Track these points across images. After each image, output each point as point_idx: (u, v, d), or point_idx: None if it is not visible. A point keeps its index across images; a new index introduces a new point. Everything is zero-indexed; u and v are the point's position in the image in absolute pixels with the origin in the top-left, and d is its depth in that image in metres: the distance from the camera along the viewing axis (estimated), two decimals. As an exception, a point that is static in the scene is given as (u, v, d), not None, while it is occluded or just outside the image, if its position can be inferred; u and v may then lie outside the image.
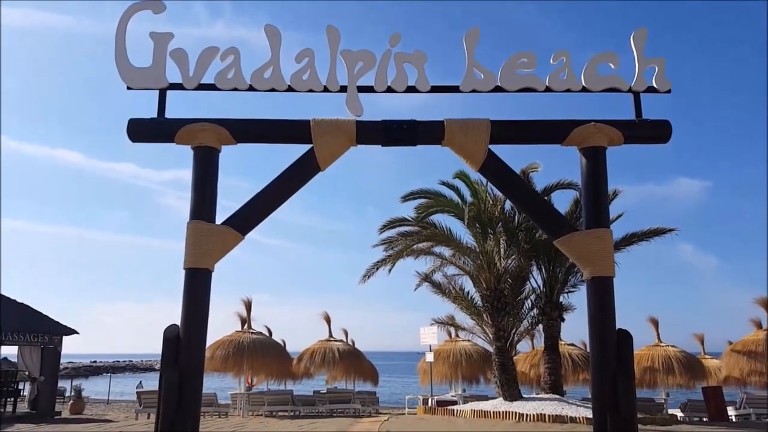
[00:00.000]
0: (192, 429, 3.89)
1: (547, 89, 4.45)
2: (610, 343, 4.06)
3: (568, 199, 18.89)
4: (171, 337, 3.98)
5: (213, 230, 4.15)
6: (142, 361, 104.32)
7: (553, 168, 18.20)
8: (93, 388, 38.24)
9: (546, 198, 18.70)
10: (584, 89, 4.45)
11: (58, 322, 19.56)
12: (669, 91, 4.46)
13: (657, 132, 4.49)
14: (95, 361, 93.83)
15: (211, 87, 4.42)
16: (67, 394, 28.01)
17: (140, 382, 41.09)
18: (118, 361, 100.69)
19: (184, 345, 3.95)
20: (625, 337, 4.11)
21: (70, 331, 19.67)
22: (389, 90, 4.35)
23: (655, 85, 4.50)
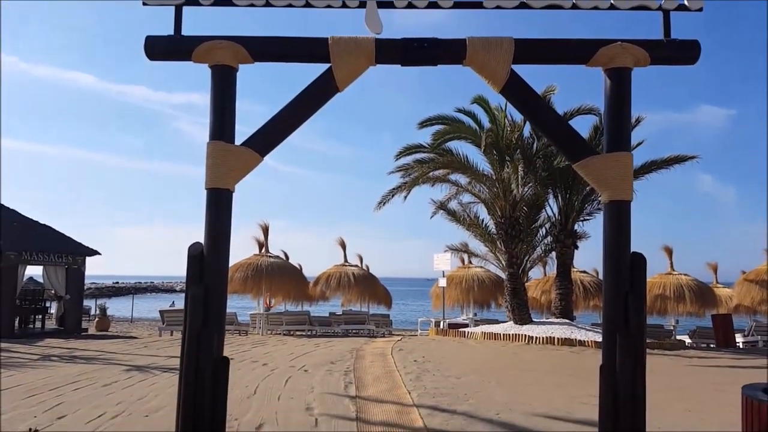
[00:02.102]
0: (218, 342, 4.04)
1: (574, 6, 4.27)
2: (624, 267, 4.10)
3: (587, 126, 18.59)
4: (195, 254, 4.07)
5: (232, 151, 4.15)
6: (162, 282, 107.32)
7: (567, 96, 17.78)
8: (116, 307, 39.58)
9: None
10: (612, 6, 4.27)
11: (80, 244, 20.09)
12: (701, 9, 4.28)
13: (685, 52, 4.33)
14: (117, 282, 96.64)
15: (227, 2, 4.31)
16: (92, 312, 29.05)
17: (173, 302, 42.45)
18: (140, 283, 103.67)
19: (208, 262, 4.05)
20: (639, 260, 4.15)
21: (93, 252, 20.22)
22: (410, 6, 4.20)
23: (686, 3, 4.32)
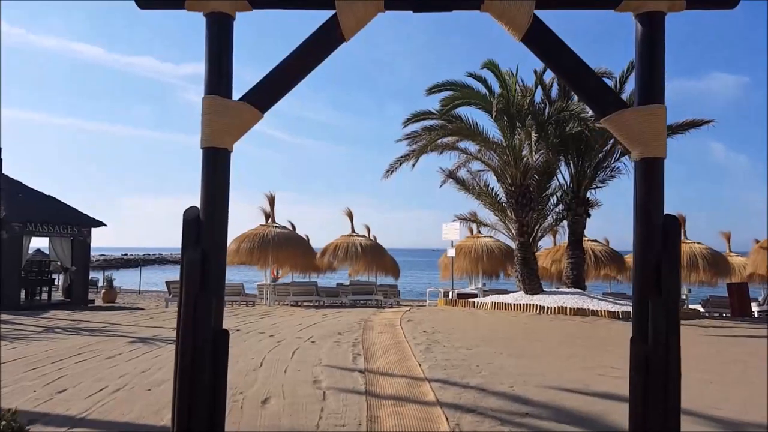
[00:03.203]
0: (217, 311, 3.75)
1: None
2: (656, 229, 3.76)
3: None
4: (191, 218, 3.76)
5: (230, 106, 3.80)
6: (171, 254, 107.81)
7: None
8: (124, 279, 39.72)
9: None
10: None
11: (85, 215, 19.89)
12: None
13: (724, -6, 3.92)
14: (126, 254, 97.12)
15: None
16: (100, 284, 29.06)
17: None
18: (149, 254, 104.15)
19: (206, 225, 3.74)
20: (672, 222, 3.80)
21: (98, 223, 20.03)
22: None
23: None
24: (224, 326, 3.82)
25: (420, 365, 8.23)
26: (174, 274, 45.29)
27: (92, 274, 33.50)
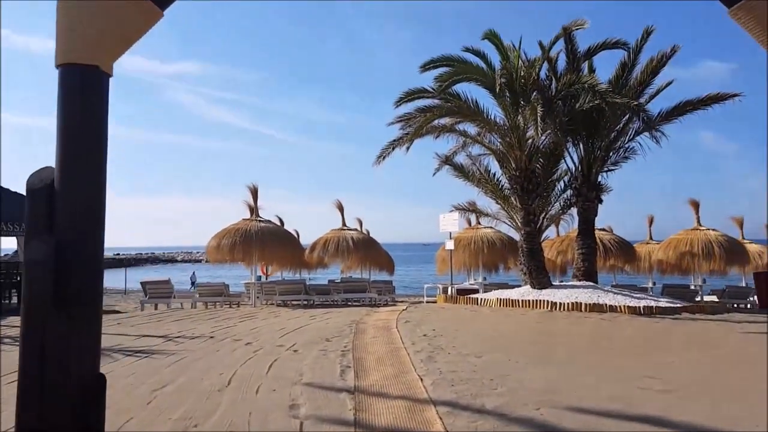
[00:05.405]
0: (84, 346, 2.18)
1: None
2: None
3: (613, 64, 16.50)
4: (39, 186, 2.21)
5: (105, -5, 2.23)
6: (164, 253, 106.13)
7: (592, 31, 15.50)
8: (113, 279, 38.00)
9: (588, 61, 16.38)
10: None
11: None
12: None
13: None
14: (118, 254, 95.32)
15: None
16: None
17: (194, 272, 40.63)
18: (141, 254, 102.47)
19: (64, 199, 2.17)
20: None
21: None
22: None
23: None
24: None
25: (422, 380, 6.75)
26: (161, 273, 43.45)
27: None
